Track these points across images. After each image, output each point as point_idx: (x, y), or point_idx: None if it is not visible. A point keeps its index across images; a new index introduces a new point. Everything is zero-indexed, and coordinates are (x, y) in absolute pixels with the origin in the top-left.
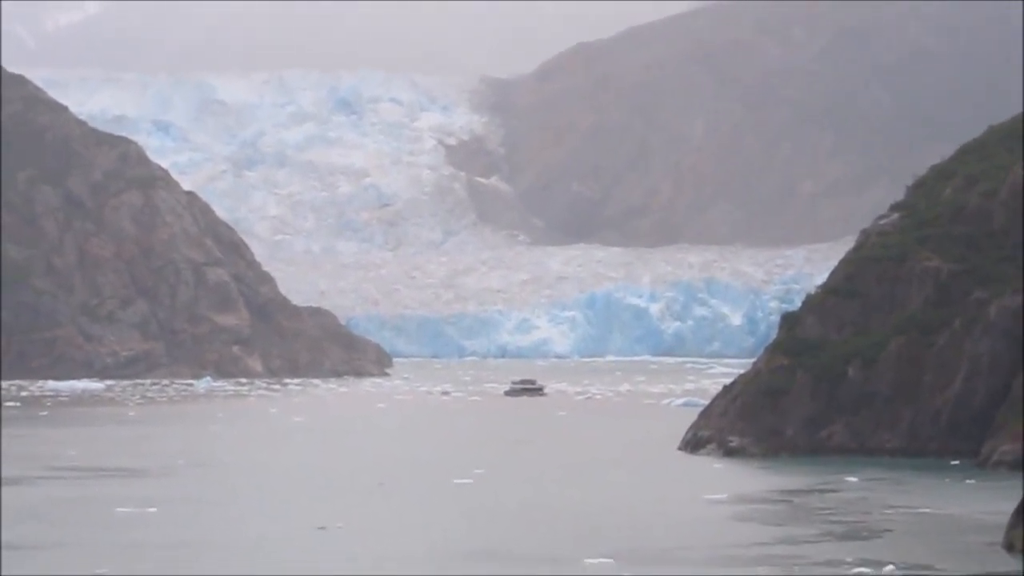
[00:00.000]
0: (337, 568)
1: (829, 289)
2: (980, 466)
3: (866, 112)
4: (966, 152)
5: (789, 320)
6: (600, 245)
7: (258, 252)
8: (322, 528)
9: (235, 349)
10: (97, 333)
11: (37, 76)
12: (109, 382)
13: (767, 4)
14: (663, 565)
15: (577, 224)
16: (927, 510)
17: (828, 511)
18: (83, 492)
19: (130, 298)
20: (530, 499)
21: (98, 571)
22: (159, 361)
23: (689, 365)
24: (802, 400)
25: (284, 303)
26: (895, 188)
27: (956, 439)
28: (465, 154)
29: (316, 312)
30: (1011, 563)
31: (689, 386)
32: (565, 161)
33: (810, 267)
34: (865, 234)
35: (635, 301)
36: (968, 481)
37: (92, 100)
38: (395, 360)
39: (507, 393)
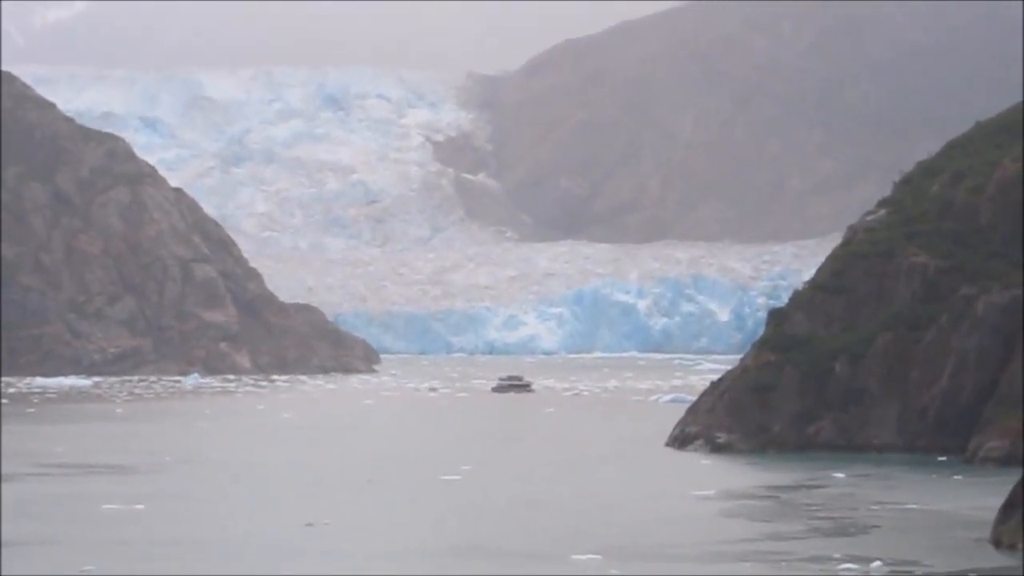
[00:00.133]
0: (323, 564)
1: (817, 285)
2: (967, 462)
3: (855, 108)
4: (953, 148)
5: (777, 316)
6: (588, 241)
7: (246, 248)
8: (309, 525)
9: (223, 346)
10: (85, 330)
11: (25, 73)
12: (97, 379)
13: (756, 0)
14: (651, 561)
15: (565, 220)
16: (914, 506)
17: (815, 507)
18: (70, 489)
19: (118, 295)
20: (517, 495)
21: (85, 568)
22: (147, 358)
23: (677, 361)
24: (790, 396)
25: (272, 299)
26: (884, 184)
27: (943, 435)
28: (453, 150)
29: (304, 308)
30: (998, 559)
31: (677, 382)
32: (553, 157)
33: (798, 263)
34: (852, 230)
35: (623, 297)
36: (955, 477)
37: (80, 97)
38: (383, 356)
39: (495, 389)
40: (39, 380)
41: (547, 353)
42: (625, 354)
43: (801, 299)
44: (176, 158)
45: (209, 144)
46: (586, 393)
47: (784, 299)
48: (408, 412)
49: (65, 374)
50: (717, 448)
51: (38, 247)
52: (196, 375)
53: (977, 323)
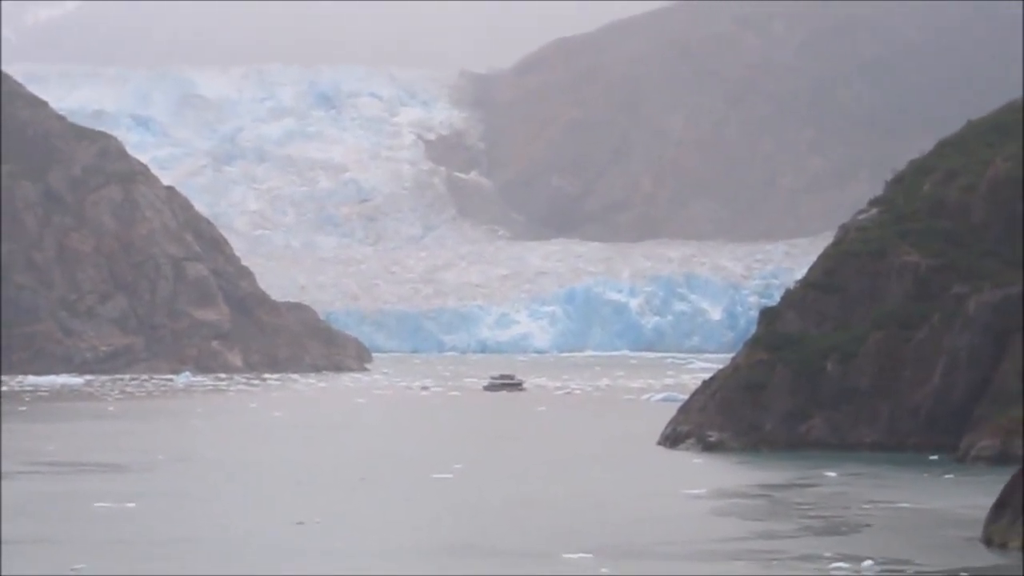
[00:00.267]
0: (315, 563)
1: (808, 284)
2: (959, 461)
3: (847, 107)
4: (945, 146)
5: (769, 315)
6: (580, 240)
7: (238, 247)
8: (300, 523)
9: (215, 344)
10: (76, 328)
11: (17, 71)
12: (88, 377)
13: None
14: (642, 560)
15: (557, 219)
16: (906, 505)
17: (807, 506)
18: (62, 487)
19: (109, 293)
20: (509, 494)
21: (76, 566)
22: (138, 356)
23: (669, 360)
24: (781, 395)
25: (264, 298)
26: (876, 183)
27: (935, 434)
28: (445, 149)
29: (296, 307)
30: (990, 558)
31: (668, 381)
32: (545, 156)
33: (790, 262)
34: (844, 229)
35: (615, 296)
36: (947, 476)
37: (72, 95)
38: (375, 355)
39: (486, 388)
40: (31, 378)
41: (539, 352)
42: (617, 353)
43: (793, 298)
44: (168, 156)
45: (201, 142)
46: (578, 392)
47: (776, 298)
48: (400, 411)
49: (57, 372)
50: (709, 447)
51: (30, 245)
52: (188, 373)
53: (969, 322)
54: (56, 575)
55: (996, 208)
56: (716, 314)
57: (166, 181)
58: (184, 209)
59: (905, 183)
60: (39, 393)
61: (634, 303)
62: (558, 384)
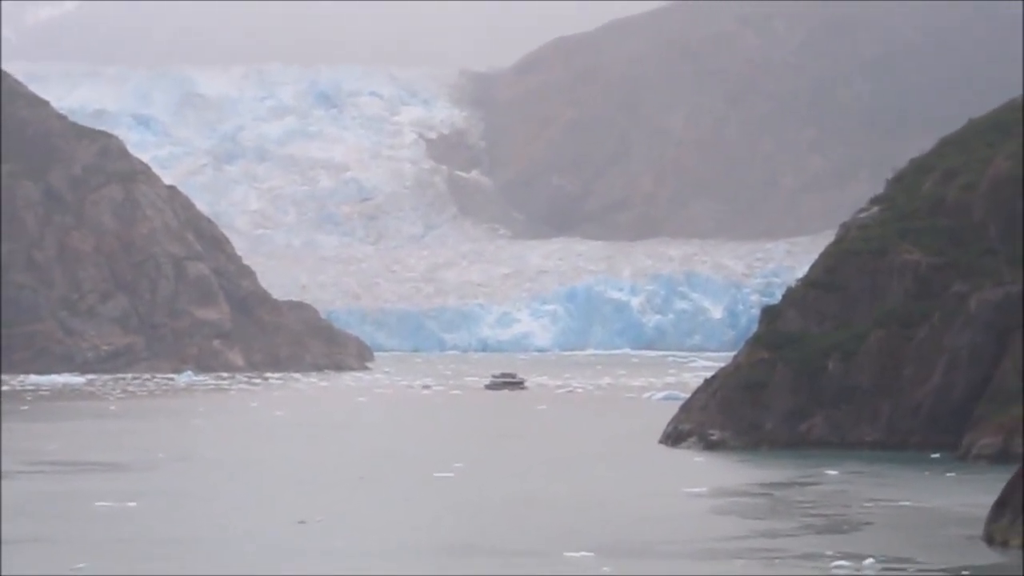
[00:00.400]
0: (316, 562)
1: (809, 282)
2: (960, 459)
3: (848, 106)
4: (946, 145)
5: (769, 313)
6: (581, 239)
7: (239, 246)
8: (302, 522)
9: (216, 343)
10: (77, 327)
11: (18, 70)
12: (90, 376)
13: None
14: (643, 559)
15: (558, 218)
16: (907, 503)
17: (808, 504)
18: (63, 487)
19: (110, 292)
20: (510, 493)
21: (77, 566)
22: (140, 355)
23: (670, 359)
24: (782, 393)
25: (265, 297)
26: (877, 182)
27: (936, 432)
28: (445, 148)
29: (297, 306)
30: (991, 556)
31: (670, 379)
32: (546, 155)
33: (791, 260)
34: (845, 227)
35: (616, 295)
36: (948, 474)
37: (73, 94)
38: (376, 354)
39: (488, 387)
40: (32, 378)
41: (540, 350)
42: (618, 351)
43: (794, 296)
44: (169, 155)
45: (202, 141)
46: (579, 390)
47: (777, 296)
48: (401, 409)
49: (58, 372)
50: (710, 445)
51: (31, 245)
52: (189, 373)
53: (970, 320)
54: (56, 575)
55: (997, 207)
56: (717, 313)
57: (167, 180)
58: (185, 208)
59: (906, 182)
60: (40, 392)
61: (635, 302)
62: (559, 383)
